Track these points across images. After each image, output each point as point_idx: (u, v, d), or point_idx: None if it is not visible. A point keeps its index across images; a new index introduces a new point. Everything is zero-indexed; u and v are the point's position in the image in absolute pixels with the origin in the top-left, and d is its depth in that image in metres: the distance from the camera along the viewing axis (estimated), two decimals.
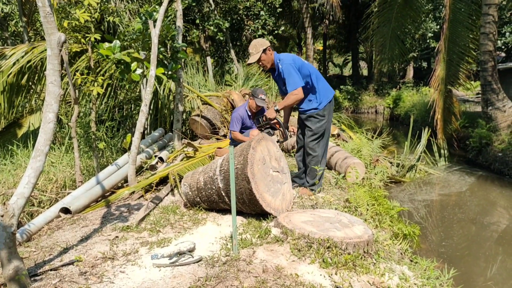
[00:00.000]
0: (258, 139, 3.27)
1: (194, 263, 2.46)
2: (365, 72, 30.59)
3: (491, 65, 9.03)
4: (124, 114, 7.31)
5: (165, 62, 5.18)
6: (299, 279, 2.27)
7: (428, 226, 5.28)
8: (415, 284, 2.59)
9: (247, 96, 7.78)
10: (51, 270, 2.41)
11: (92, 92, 4.50)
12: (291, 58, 3.87)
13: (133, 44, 5.25)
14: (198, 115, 7.12)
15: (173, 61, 5.21)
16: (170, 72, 5.01)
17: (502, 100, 9.12)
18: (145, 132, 7.07)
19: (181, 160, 5.17)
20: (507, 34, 16.55)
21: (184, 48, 5.79)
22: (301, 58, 4.01)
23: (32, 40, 9.78)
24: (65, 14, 4.66)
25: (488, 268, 4.11)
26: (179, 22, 6.07)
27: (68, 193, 4.22)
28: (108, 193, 4.36)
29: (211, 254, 2.58)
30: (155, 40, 4.46)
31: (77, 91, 5.41)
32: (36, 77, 6.57)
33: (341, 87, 21.96)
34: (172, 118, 7.06)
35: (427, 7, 17.05)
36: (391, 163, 7.15)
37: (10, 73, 6.15)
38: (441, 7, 17.66)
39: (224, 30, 10.55)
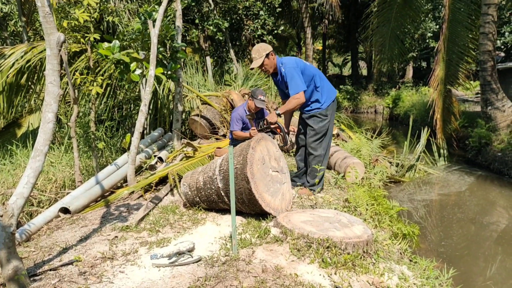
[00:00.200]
0: (257, 139, 3.27)
1: (193, 263, 2.46)
2: (364, 72, 30.57)
3: (491, 65, 9.03)
4: (124, 114, 7.31)
5: (165, 62, 5.18)
6: (298, 279, 2.27)
7: (428, 226, 5.28)
8: (414, 284, 2.59)
9: (246, 96, 7.78)
10: (50, 270, 2.41)
11: (91, 92, 4.50)
12: (294, 61, 3.85)
13: (132, 44, 5.25)
14: (197, 115, 7.12)
15: (173, 61, 5.21)
16: (169, 72, 5.01)
17: (501, 100, 9.12)
18: (145, 132, 7.06)
19: (181, 160, 5.17)
20: (507, 34, 16.55)
21: (184, 48, 5.78)
22: (303, 60, 3.99)
23: (31, 40, 9.76)
24: (64, 14, 4.66)
25: (487, 268, 4.11)
26: (179, 22, 6.06)
27: (68, 193, 4.22)
28: (107, 193, 4.36)
29: (210, 254, 2.58)
30: (154, 40, 4.45)
31: (76, 91, 5.40)
32: (35, 77, 6.56)
33: (341, 87, 21.93)
34: (171, 118, 7.06)
35: (426, 7, 17.06)
36: (390, 163, 7.15)
37: (10, 73, 6.14)
38: (440, 7, 17.67)
39: (224, 30, 10.54)
